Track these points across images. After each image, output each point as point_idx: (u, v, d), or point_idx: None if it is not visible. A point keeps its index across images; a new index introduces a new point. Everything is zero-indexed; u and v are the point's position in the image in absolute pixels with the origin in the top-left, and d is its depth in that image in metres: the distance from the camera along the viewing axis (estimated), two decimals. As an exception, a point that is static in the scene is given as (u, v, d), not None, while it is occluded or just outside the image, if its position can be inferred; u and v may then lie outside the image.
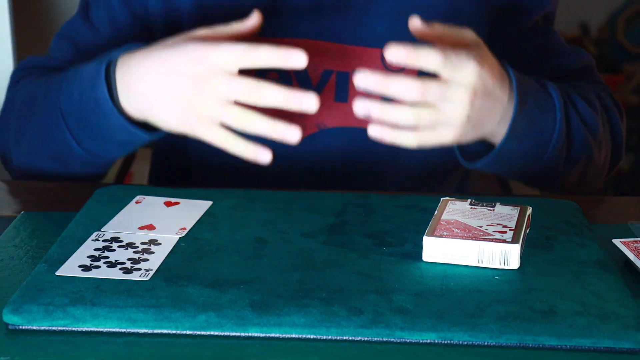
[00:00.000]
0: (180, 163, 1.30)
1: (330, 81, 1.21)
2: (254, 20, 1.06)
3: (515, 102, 1.05)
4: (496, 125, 1.06)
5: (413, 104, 0.97)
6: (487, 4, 1.23)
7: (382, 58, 1.20)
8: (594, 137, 1.17)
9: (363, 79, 0.96)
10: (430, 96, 0.97)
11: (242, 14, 1.21)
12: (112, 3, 1.23)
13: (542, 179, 1.17)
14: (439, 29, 1.01)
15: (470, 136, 1.04)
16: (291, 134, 1.00)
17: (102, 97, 1.06)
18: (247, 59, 0.99)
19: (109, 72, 1.07)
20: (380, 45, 1.21)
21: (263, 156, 1.00)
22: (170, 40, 1.05)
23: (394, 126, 0.98)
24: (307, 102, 0.99)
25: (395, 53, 0.96)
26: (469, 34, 1.04)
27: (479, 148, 1.12)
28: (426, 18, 1.20)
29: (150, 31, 1.23)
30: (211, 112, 1.00)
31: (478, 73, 0.99)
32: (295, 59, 0.99)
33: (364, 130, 1.22)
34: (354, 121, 1.22)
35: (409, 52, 0.96)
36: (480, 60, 1.00)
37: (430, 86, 0.97)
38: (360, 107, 0.97)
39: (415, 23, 1.00)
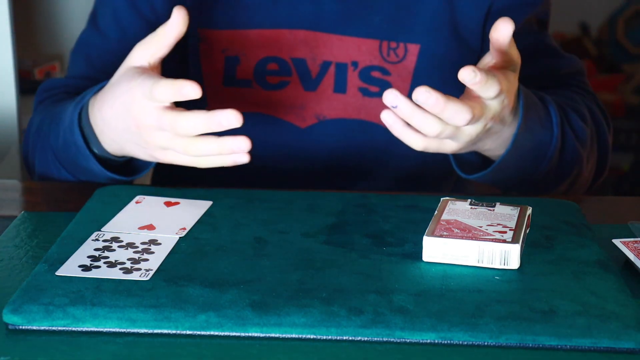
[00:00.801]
0: (186, 168, 1.30)
1: (329, 72, 1.22)
2: (177, 18, 1.01)
3: (519, 120, 1.05)
4: (495, 146, 1.07)
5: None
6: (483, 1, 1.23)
7: (380, 49, 1.21)
8: (584, 151, 1.18)
9: (423, 95, 0.92)
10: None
11: (244, 10, 1.22)
12: (118, 7, 1.24)
13: (532, 189, 1.18)
14: (474, 75, 0.94)
15: (467, 150, 1.04)
16: (240, 146, 0.97)
17: (80, 144, 1.08)
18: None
19: (81, 118, 1.09)
20: (378, 36, 1.22)
21: (241, 158, 0.99)
22: (116, 76, 1.05)
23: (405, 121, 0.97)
24: (227, 121, 0.95)
25: (427, 99, 0.92)
26: (515, 57, 1.01)
27: (473, 158, 1.12)
28: (423, 11, 1.21)
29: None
30: (166, 144, 1.00)
31: (504, 104, 0.99)
32: (222, 118, 0.95)
33: (363, 122, 1.23)
34: (353, 112, 1.23)
35: (440, 105, 0.92)
36: (508, 90, 0.99)
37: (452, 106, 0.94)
38: (391, 98, 0.93)
39: (465, 75, 0.94)
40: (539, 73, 1.25)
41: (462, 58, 1.24)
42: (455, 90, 1.25)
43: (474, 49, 1.25)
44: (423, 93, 0.91)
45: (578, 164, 1.17)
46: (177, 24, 1.01)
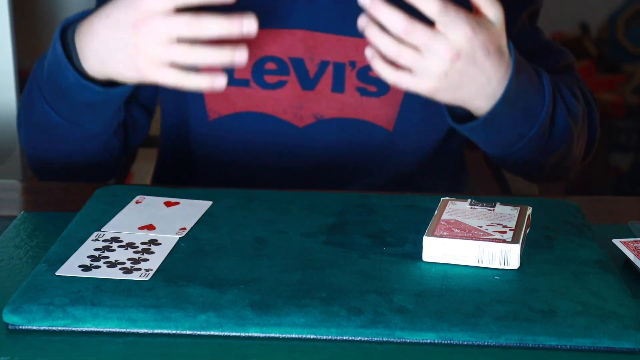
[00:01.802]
0: (184, 161, 1.30)
1: (327, 72, 1.22)
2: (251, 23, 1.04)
3: (511, 73, 1.08)
4: (475, 96, 1.09)
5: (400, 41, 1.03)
6: None
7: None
8: (575, 126, 1.20)
9: None
10: (415, 38, 1.02)
11: (243, 9, 1.21)
12: None
13: (523, 162, 1.19)
14: None
15: (447, 96, 1.08)
16: (239, 54, 1.03)
17: (59, 54, 1.09)
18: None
19: (66, 35, 1.10)
20: None
21: (219, 81, 1.03)
22: None
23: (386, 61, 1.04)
24: (247, 26, 1.01)
25: None
26: (492, 11, 1.07)
27: (465, 113, 1.13)
28: (420, 14, 1.21)
29: None
30: (158, 54, 1.02)
31: (469, 38, 1.03)
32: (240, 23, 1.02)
33: (360, 121, 1.23)
34: (351, 112, 1.23)
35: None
36: (478, 29, 1.04)
37: (418, 29, 1.02)
38: (361, 20, 1.04)
39: None
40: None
41: None
42: None
43: None
44: None
45: (569, 137, 1.19)
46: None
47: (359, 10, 1.22)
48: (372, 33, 1.04)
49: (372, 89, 1.23)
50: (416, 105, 1.24)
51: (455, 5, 1.04)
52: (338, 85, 1.22)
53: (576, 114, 1.20)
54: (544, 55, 1.28)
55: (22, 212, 1.01)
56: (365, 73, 1.22)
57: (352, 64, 1.22)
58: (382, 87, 1.22)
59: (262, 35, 1.21)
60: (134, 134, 1.27)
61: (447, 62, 1.04)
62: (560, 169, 1.24)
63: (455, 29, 1.03)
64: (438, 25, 1.03)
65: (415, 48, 1.03)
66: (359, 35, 1.22)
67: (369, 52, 1.05)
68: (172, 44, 1.02)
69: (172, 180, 1.34)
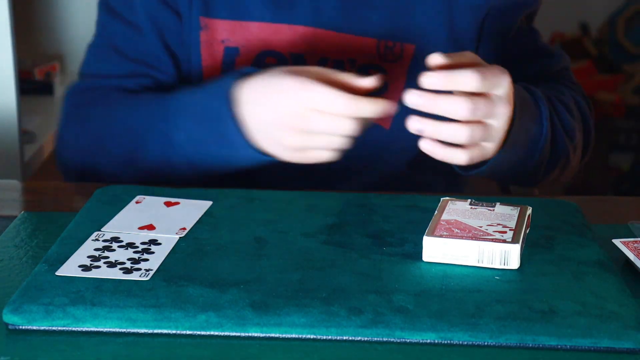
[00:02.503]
0: None
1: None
2: (370, 81, 1.04)
3: (514, 115, 1.06)
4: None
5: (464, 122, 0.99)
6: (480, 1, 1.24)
7: (378, 48, 1.22)
8: (571, 142, 1.20)
9: (413, 98, 0.97)
10: (479, 113, 0.99)
11: (246, 2, 1.22)
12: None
13: (523, 180, 1.21)
14: (442, 59, 1.00)
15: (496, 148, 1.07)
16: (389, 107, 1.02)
17: (231, 133, 1.07)
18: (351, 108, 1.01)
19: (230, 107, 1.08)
20: (376, 35, 1.22)
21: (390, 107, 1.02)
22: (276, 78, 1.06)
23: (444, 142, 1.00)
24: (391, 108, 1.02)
25: (432, 80, 0.97)
26: (468, 55, 1.06)
27: None
28: (421, 12, 1.21)
29: (178, 14, 1.24)
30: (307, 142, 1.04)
31: (510, 82, 1.02)
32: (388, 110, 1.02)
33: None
34: None
35: (447, 77, 0.97)
36: (507, 74, 1.02)
37: (479, 103, 0.99)
38: (414, 124, 0.98)
39: (432, 59, 1.00)
40: (534, 73, 1.26)
41: None
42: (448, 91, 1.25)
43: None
44: (412, 98, 0.96)
45: (565, 154, 1.19)
46: (367, 85, 1.03)
47: (360, 8, 1.22)
48: (436, 130, 0.99)
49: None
50: None
51: (475, 65, 1.02)
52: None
53: (572, 131, 1.20)
54: (539, 58, 1.29)
55: (22, 212, 1.01)
56: (364, 72, 1.22)
57: (352, 61, 1.22)
58: (381, 86, 1.22)
59: (265, 29, 1.22)
60: None
61: (509, 118, 1.03)
62: (556, 181, 1.25)
63: (500, 83, 1.01)
64: (483, 90, 0.99)
65: (479, 122, 1.01)
66: (359, 33, 1.22)
67: (427, 145, 1.00)
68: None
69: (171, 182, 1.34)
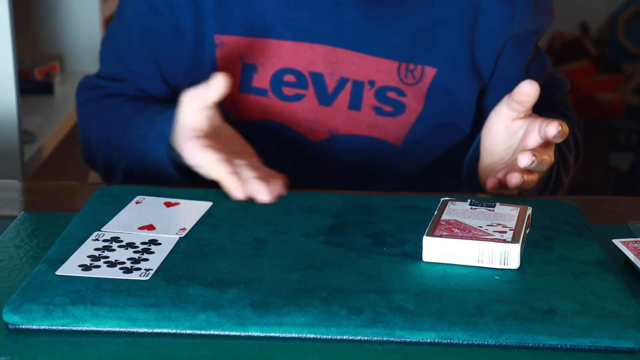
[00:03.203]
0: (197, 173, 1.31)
1: (345, 89, 1.21)
2: (219, 83, 1.04)
3: None
4: None
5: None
6: (507, 25, 1.23)
7: (398, 70, 1.21)
8: (573, 161, 1.26)
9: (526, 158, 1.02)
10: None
11: (265, 19, 1.21)
12: (138, 6, 1.25)
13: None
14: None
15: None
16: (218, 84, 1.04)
17: (166, 163, 1.12)
18: None
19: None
20: (397, 57, 1.21)
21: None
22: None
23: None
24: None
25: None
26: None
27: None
28: (443, 35, 1.21)
29: (178, 27, 1.24)
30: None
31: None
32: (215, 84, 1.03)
33: (374, 139, 1.23)
34: (365, 129, 1.22)
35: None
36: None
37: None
38: (528, 161, 1.02)
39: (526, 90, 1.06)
40: (543, 100, 1.28)
41: (472, 85, 1.24)
42: (460, 114, 1.26)
43: (483, 79, 1.25)
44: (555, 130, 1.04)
45: (568, 173, 1.24)
46: (216, 88, 1.04)
47: (383, 29, 1.21)
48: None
49: (388, 109, 1.22)
50: (426, 126, 1.24)
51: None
52: (355, 103, 1.22)
53: (572, 152, 1.25)
54: (546, 86, 1.29)
55: (22, 212, 1.01)
56: (383, 93, 1.21)
57: (371, 83, 1.21)
58: (398, 108, 1.22)
59: (284, 47, 1.20)
60: None
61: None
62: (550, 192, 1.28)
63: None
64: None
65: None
66: (381, 55, 1.21)
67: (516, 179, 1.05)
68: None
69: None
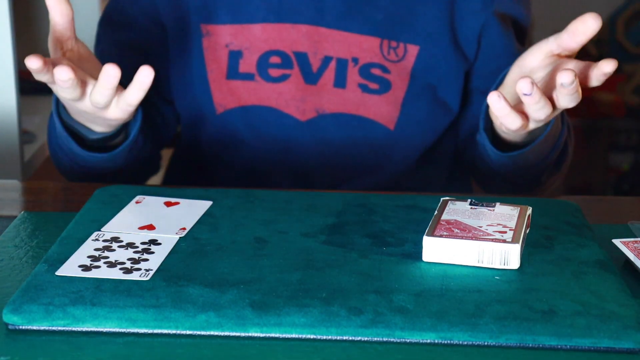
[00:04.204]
0: (195, 158, 1.32)
1: (329, 67, 1.23)
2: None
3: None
4: None
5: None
6: (485, 3, 1.24)
7: (381, 47, 1.23)
8: (571, 146, 1.23)
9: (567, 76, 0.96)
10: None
11: (248, 6, 1.23)
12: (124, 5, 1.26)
13: (528, 181, 1.22)
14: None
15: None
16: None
17: (64, 136, 1.14)
18: None
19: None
20: (380, 34, 1.23)
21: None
22: None
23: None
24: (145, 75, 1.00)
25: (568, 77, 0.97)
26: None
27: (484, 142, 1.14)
28: (424, 13, 1.22)
29: (159, 22, 1.25)
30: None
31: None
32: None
33: (361, 118, 1.25)
34: (352, 107, 1.24)
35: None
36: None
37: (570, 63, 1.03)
38: (527, 87, 0.96)
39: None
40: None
41: (458, 64, 1.25)
42: (448, 93, 1.27)
43: (468, 58, 1.27)
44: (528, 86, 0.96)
45: (566, 159, 1.22)
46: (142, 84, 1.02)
47: (364, 6, 1.23)
48: (538, 105, 0.98)
49: (374, 86, 1.23)
50: (417, 104, 1.25)
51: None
52: (340, 81, 1.23)
53: (570, 134, 1.23)
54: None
55: (22, 212, 1.01)
56: (368, 70, 1.23)
57: (355, 60, 1.23)
58: (384, 85, 1.23)
59: (268, 30, 1.23)
60: (165, 129, 1.31)
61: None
62: (546, 189, 1.26)
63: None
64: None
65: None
66: (363, 32, 1.23)
67: (497, 103, 0.98)
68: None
69: (182, 179, 1.35)
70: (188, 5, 1.25)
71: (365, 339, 0.76)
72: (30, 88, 1.98)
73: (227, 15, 1.24)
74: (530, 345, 0.76)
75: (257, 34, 1.23)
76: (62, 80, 0.98)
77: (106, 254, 0.87)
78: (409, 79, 1.24)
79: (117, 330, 0.77)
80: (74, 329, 0.77)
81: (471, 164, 1.29)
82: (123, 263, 0.85)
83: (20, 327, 0.77)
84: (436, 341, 0.76)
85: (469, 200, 0.96)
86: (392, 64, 1.23)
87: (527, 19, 1.29)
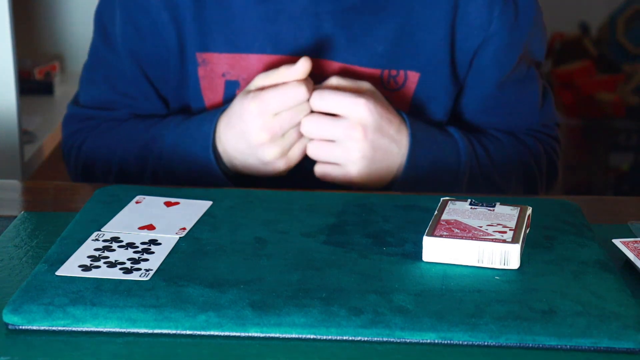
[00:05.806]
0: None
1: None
2: (303, 65, 1.12)
3: (410, 139, 1.15)
4: (393, 167, 1.17)
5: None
6: (483, 27, 1.23)
7: (382, 79, 1.21)
8: (503, 169, 1.26)
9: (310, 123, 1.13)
10: (328, 133, 1.13)
11: (245, 35, 1.21)
12: (124, 31, 1.25)
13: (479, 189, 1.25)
14: (335, 82, 1.14)
15: (374, 175, 1.15)
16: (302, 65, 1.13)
17: (213, 165, 1.18)
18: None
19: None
20: (381, 65, 1.21)
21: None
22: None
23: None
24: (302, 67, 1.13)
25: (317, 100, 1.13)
26: (365, 85, 1.15)
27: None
28: (425, 40, 1.22)
29: (165, 45, 1.24)
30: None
31: (369, 110, 1.11)
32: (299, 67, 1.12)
33: None
34: None
35: (317, 97, 1.12)
36: (373, 100, 1.12)
37: (326, 124, 1.12)
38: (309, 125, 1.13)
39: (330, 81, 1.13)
40: (511, 125, 1.31)
41: (454, 88, 1.24)
42: (453, 119, 1.26)
43: (461, 79, 1.25)
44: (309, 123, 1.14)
45: (495, 183, 1.25)
46: (302, 70, 1.12)
47: (364, 37, 1.20)
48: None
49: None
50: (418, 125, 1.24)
51: (328, 86, 1.14)
52: None
53: (501, 160, 1.25)
54: (516, 113, 1.31)
55: (22, 212, 1.01)
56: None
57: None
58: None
59: (265, 61, 1.20)
60: None
61: (361, 141, 1.11)
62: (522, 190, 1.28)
63: (356, 108, 1.11)
64: (340, 112, 1.12)
65: (335, 142, 1.13)
66: (364, 64, 1.21)
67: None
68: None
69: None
70: (185, 32, 1.22)
71: (365, 339, 0.76)
72: (30, 88, 1.98)
73: (224, 44, 1.20)
74: (530, 345, 0.76)
75: (253, 64, 1.20)
76: None
77: (106, 254, 0.87)
78: (409, 106, 1.22)
79: (117, 330, 0.77)
80: (74, 329, 0.77)
81: None
82: (123, 263, 0.85)
83: (20, 327, 0.77)
84: (436, 341, 0.76)
85: (469, 200, 0.96)
86: (391, 93, 1.21)
87: (540, 52, 1.29)
